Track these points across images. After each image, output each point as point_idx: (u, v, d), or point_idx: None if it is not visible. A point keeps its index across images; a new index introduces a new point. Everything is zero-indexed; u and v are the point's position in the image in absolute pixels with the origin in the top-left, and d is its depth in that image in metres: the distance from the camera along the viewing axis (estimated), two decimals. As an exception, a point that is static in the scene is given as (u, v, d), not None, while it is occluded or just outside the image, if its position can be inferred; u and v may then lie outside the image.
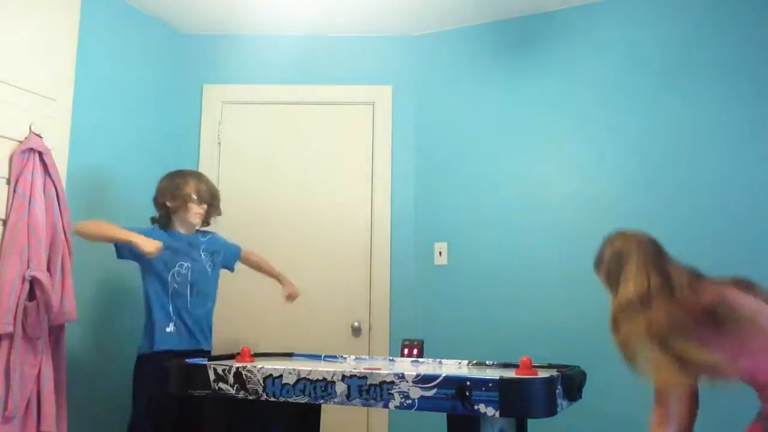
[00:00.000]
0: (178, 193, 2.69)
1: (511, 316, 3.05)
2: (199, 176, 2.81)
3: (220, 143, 3.44)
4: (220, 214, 2.87)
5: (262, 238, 3.36)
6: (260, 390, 1.93)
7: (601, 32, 3.08)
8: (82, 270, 2.75)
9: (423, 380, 1.74)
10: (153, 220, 2.77)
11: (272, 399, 1.92)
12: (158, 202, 2.74)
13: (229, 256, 2.90)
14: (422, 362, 2.47)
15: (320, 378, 1.86)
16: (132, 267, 2.87)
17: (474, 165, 3.25)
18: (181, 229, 2.74)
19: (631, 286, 1.75)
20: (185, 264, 2.69)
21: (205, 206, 2.75)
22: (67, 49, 2.76)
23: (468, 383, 1.69)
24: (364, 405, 1.81)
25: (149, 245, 2.47)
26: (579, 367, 2.13)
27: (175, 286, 2.65)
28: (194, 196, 2.71)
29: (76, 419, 2.69)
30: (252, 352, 2.34)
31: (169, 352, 2.54)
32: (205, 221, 2.82)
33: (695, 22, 2.89)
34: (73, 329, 2.62)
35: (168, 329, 2.62)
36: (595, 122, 3.03)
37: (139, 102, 3.21)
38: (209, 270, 2.76)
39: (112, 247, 2.96)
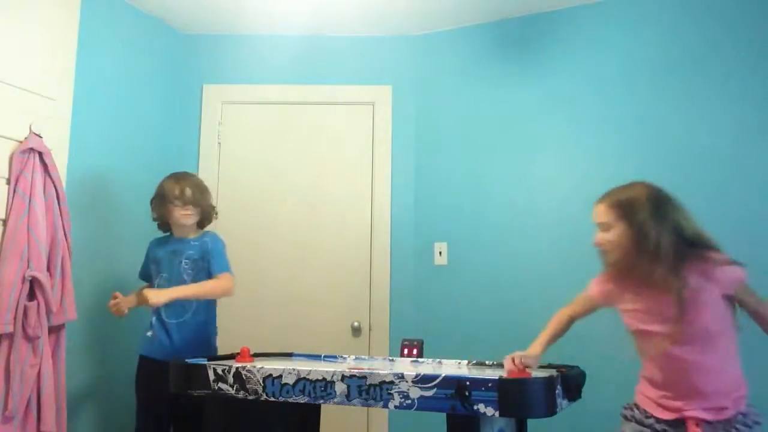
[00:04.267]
0: (160, 198, 2.66)
1: (510, 316, 3.05)
2: (179, 176, 2.70)
3: (220, 143, 3.44)
4: (214, 211, 2.78)
5: (262, 238, 3.36)
6: (260, 390, 1.93)
7: (601, 32, 3.08)
8: (82, 270, 2.75)
9: (422, 380, 1.74)
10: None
11: (272, 399, 1.92)
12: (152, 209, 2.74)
13: (209, 266, 2.68)
14: (422, 362, 2.47)
15: (320, 378, 1.86)
16: (132, 267, 2.87)
17: (474, 165, 3.25)
18: (176, 233, 2.72)
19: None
20: (164, 275, 2.66)
21: (190, 207, 2.65)
22: (67, 49, 2.76)
23: (467, 383, 1.69)
24: (363, 405, 1.81)
25: (154, 299, 2.48)
26: (579, 367, 2.13)
27: None
28: (173, 199, 2.62)
29: (76, 419, 2.69)
30: (252, 352, 2.34)
31: (145, 357, 2.65)
32: (204, 221, 2.75)
33: (696, 21, 2.89)
34: (73, 329, 2.62)
35: (148, 333, 2.67)
36: (596, 122, 3.03)
37: (139, 102, 3.21)
38: (187, 280, 2.63)
39: (111, 248, 2.97)
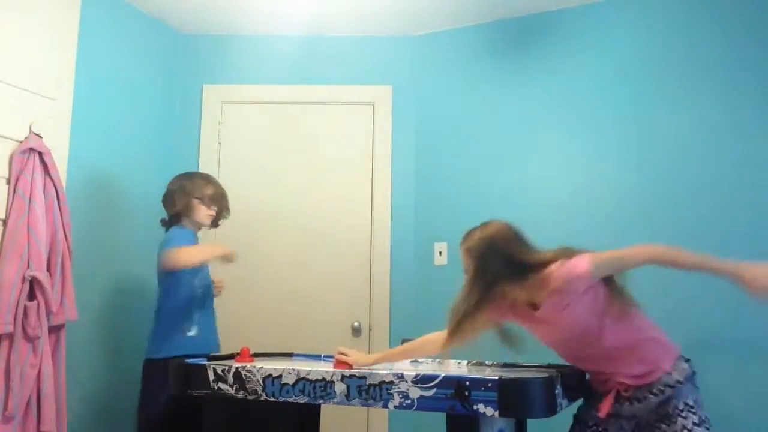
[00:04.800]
0: (185, 194, 2.66)
1: (511, 316, 3.04)
2: (207, 178, 2.77)
3: (220, 143, 3.44)
4: (229, 215, 2.82)
5: (262, 238, 3.36)
6: (260, 390, 1.93)
7: (601, 32, 3.07)
8: (83, 270, 2.75)
9: (422, 380, 1.74)
10: (163, 222, 2.74)
11: (272, 399, 1.92)
12: (167, 203, 2.71)
13: None
14: (422, 362, 2.47)
15: (320, 378, 1.86)
16: (132, 265, 2.87)
17: (474, 165, 3.25)
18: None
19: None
20: (205, 268, 2.70)
21: (215, 208, 2.71)
22: (67, 49, 2.76)
23: (467, 383, 1.69)
24: (363, 405, 1.81)
25: (229, 252, 2.56)
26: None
27: (200, 291, 2.64)
28: (202, 197, 2.67)
29: (76, 419, 2.69)
30: (252, 352, 2.33)
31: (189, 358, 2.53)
32: (215, 223, 2.78)
33: (696, 22, 2.89)
34: (73, 329, 2.62)
35: (190, 333, 2.59)
36: (596, 122, 3.03)
37: (139, 102, 3.21)
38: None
39: (111, 248, 2.96)
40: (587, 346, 1.95)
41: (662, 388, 1.87)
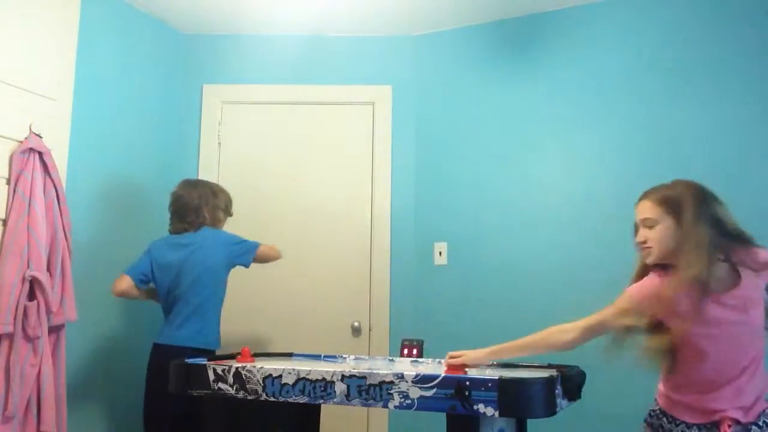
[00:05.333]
0: (215, 207, 2.81)
1: (511, 316, 3.05)
2: (224, 190, 2.92)
3: (220, 143, 3.44)
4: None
5: (262, 238, 3.35)
6: (260, 390, 1.93)
7: (601, 32, 3.08)
8: (83, 270, 2.75)
9: (422, 380, 1.74)
10: (190, 224, 2.76)
11: (272, 399, 1.92)
12: (193, 212, 2.76)
13: None
14: (422, 362, 2.47)
15: (320, 378, 1.86)
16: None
17: (474, 165, 3.25)
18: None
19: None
20: None
21: (227, 218, 2.93)
22: (67, 49, 2.76)
23: (467, 383, 1.69)
24: (363, 405, 1.81)
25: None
26: (578, 367, 2.13)
27: None
28: (225, 209, 2.88)
29: (76, 419, 2.69)
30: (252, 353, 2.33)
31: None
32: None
33: (697, 20, 2.89)
34: (73, 329, 2.62)
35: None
36: (596, 122, 3.03)
37: (139, 102, 3.21)
38: None
39: (112, 248, 2.96)
40: (735, 357, 1.73)
41: (761, 425, 1.72)
